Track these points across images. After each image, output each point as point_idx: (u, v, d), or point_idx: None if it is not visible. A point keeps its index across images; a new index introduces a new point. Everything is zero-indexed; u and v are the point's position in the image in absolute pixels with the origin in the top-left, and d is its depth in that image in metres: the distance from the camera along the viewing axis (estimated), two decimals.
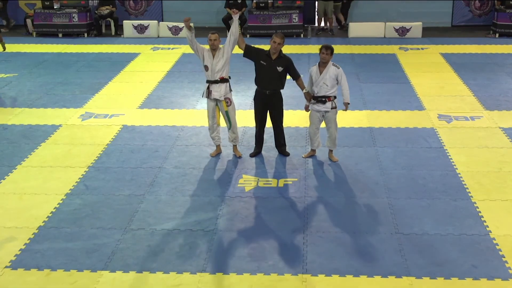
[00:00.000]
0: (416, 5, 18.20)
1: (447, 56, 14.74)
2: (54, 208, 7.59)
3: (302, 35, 17.34)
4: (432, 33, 17.35)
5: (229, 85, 8.78)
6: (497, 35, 16.99)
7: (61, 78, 13.29)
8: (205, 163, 8.86)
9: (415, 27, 17.19)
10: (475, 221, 7.19)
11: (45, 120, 10.64)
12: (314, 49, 15.28)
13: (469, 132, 9.90)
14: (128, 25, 17.57)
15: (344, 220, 7.28)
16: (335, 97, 8.62)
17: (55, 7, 17.52)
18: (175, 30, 17.53)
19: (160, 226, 7.14)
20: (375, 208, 7.55)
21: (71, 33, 17.56)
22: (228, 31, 8.74)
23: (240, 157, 9.04)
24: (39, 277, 6.21)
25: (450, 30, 18.06)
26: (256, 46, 8.86)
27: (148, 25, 17.55)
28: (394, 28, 17.26)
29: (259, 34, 17.03)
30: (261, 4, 17.27)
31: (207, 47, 8.65)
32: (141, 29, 17.52)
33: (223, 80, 8.67)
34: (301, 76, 8.77)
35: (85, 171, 8.62)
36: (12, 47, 15.32)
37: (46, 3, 17.59)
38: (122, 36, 17.56)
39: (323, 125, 8.85)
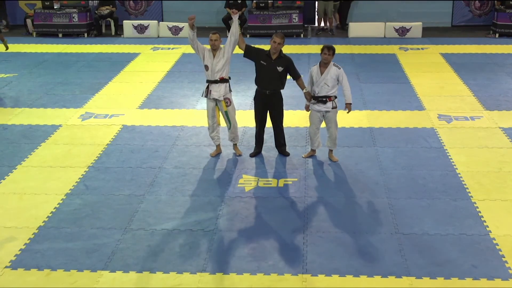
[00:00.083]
0: (416, 5, 18.21)
1: (447, 56, 14.74)
2: (54, 208, 7.59)
3: (302, 35, 17.35)
4: (432, 33, 17.35)
5: (229, 86, 8.78)
6: (497, 35, 16.99)
7: (61, 78, 13.29)
8: (205, 163, 8.86)
9: (415, 27, 17.19)
10: (475, 221, 7.19)
11: (45, 120, 10.64)
12: (314, 49, 15.31)
13: (469, 132, 9.90)
14: (128, 25, 17.57)
15: (344, 220, 7.28)
16: (335, 97, 8.62)
17: (55, 7, 17.53)
18: (175, 30, 17.53)
19: (160, 226, 7.14)
20: (375, 208, 7.55)
21: (71, 33, 17.56)
22: (228, 31, 8.75)
23: (240, 155, 9.05)
24: (39, 277, 6.21)
25: (450, 30, 18.07)
26: (256, 46, 8.86)
27: (148, 25, 17.55)
28: (394, 28, 17.26)
29: (259, 34, 17.03)
30: (261, 4, 17.27)
31: (208, 46, 8.66)
32: (141, 29, 17.52)
33: (223, 80, 8.68)
34: (301, 76, 8.77)
35: (85, 171, 8.62)
36: (12, 47, 15.26)
37: (46, 3, 17.59)
38: (122, 36, 17.56)
39: (323, 125, 8.85)
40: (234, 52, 8.69)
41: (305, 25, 18.10)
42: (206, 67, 8.67)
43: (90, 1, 18.37)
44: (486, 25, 17.87)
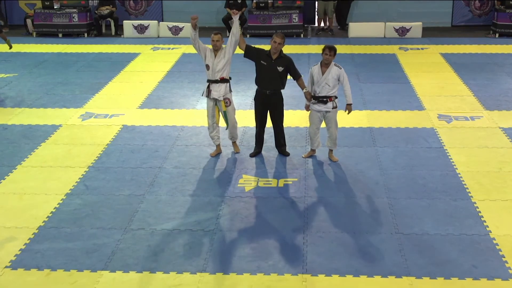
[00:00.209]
0: (416, 5, 18.21)
1: (447, 56, 14.74)
2: (54, 208, 7.59)
3: (302, 35, 17.34)
4: (432, 33, 17.35)
5: (229, 86, 8.79)
6: (497, 35, 16.99)
7: (61, 78, 13.29)
8: (205, 163, 8.86)
9: (415, 27, 17.19)
10: (475, 221, 7.19)
11: (45, 120, 10.64)
12: (314, 49, 15.31)
13: (469, 132, 9.90)
14: (128, 25, 17.57)
15: (344, 220, 7.28)
16: (336, 97, 8.62)
17: (55, 7, 17.53)
18: (175, 30, 17.53)
19: (160, 226, 7.14)
20: (375, 208, 7.55)
21: (71, 33, 17.56)
22: (228, 31, 8.76)
23: (237, 152, 9.08)
24: (39, 277, 6.21)
25: (450, 30, 18.06)
26: (256, 46, 8.86)
27: (148, 25, 17.55)
28: (394, 28, 17.26)
29: (259, 34, 17.03)
30: (261, 4, 17.27)
31: (210, 46, 8.66)
32: (141, 29, 17.52)
33: (223, 80, 8.68)
34: (302, 76, 8.77)
35: (85, 171, 8.62)
36: (12, 47, 15.30)
37: (46, 3, 17.59)
38: (122, 36, 17.56)
39: (323, 125, 8.85)
40: (235, 52, 8.69)
41: (305, 25, 18.10)
42: (207, 67, 8.68)
43: (90, 1, 18.37)
44: (486, 25, 17.87)
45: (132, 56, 15.09)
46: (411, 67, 13.85)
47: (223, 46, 8.67)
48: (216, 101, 8.78)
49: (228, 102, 8.78)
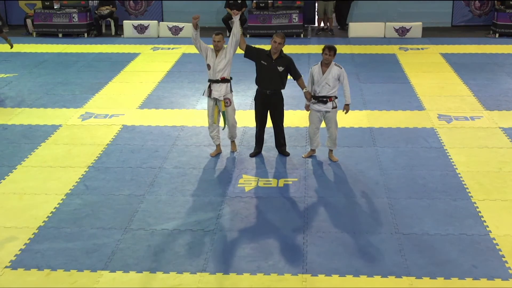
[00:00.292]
0: (416, 5, 18.21)
1: (447, 56, 14.74)
2: (54, 208, 7.59)
3: (302, 35, 17.35)
4: (432, 33, 17.36)
5: (230, 86, 8.79)
6: (497, 35, 16.99)
7: (61, 78, 13.29)
8: (205, 163, 8.86)
9: (415, 27, 17.19)
10: (475, 221, 7.19)
11: (45, 120, 10.64)
12: (314, 49, 15.31)
13: (469, 132, 9.90)
14: (128, 25, 17.57)
15: (344, 220, 7.28)
16: (336, 97, 8.63)
17: (55, 7, 17.53)
18: (175, 30, 17.53)
19: (160, 226, 7.14)
20: (375, 208, 7.55)
21: (71, 33, 17.56)
22: (228, 31, 8.76)
23: (233, 151, 9.11)
24: (39, 277, 6.21)
25: (450, 30, 18.07)
26: (256, 46, 8.86)
27: (148, 25, 17.56)
28: (394, 28, 17.26)
29: (259, 34, 17.04)
30: (261, 4, 17.27)
31: (211, 46, 8.67)
32: (141, 29, 17.52)
33: (224, 80, 8.69)
34: (302, 76, 8.77)
35: (85, 171, 8.62)
36: (13, 47, 15.31)
37: (46, 3, 17.59)
38: (122, 36, 17.57)
39: (323, 125, 8.85)
40: (235, 52, 8.69)
41: (305, 25, 18.10)
42: (208, 66, 8.69)
43: (90, 1, 18.37)
44: (486, 25, 17.87)
45: (132, 56, 15.09)
46: (411, 67, 13.85)
47: (224, 46, 8.67)
48: (216, 100, 8.79)
49: (228, 102, 8.79)
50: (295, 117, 10.40)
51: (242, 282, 6.10)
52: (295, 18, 17.19)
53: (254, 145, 9.16)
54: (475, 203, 7.63)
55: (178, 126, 10.30)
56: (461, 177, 8.33)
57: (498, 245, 6.68)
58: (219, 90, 8.71)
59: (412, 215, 7.36)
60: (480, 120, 10.44)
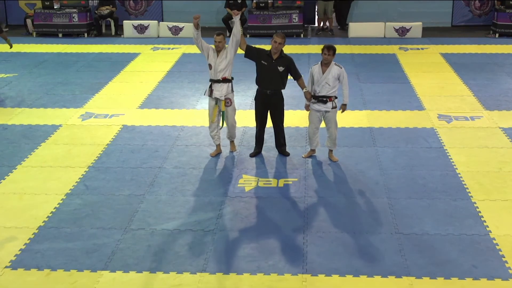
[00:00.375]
0: (416, 5, 18.21)
1: (447, 56, 14.74)
2: (54, 208, 7.59)
3: (302, 35, 17.35)
4: (432, 33, 17.36)
5: (232, 86, 8.80)
6: (497, 35, 16.99)
7: (61, 78, 13.29)
8: (205, 163, 8.86)
9: (415, 27, 17.19)
10: (475, 221, 7.19)
11: (45, 120, 10.64)
12: (314, 49, 15.31)
13: (469, 132, 9.90)
14: (128, 25, 17.57)
15: (344, 220, 7.28)
16: (335, 97, 8.63)
17: (55, 7, 17.53)
18: (175, 30, 17.53)
19: (160, 226, 7.14)
20: (375, 208, 7.55)
21: (71, 33, 17.56)
22: (228, 31, 8.77)
23: (232, 151, 9.11)
24: (39, 277, 6.21)
25: (450, 30, 18.07)
26: (257, 46, 8.86)
27: (148, 25, 17.56)
28: (394, 28, 17.26)
29: (259, 34, 17.04)
30: (261, 4, 17.28)
31: (213, 46, 8.68)
32: (141, 29, 17.52)
33: (225, 80, 8.70)
34: (302, 76, 8.77)
35: (85, 171, 8.62)
36: (12, 47, 15.30)
37: (46, 3, 17.59)
38: (122, 36, 17.57)
39: (322, 125, 8.85)
40: (236, 52, 8.70)
41: (305, 25, 18.10)
42: (210, 66, 8.71)
43: (90, 1, 18.37)
44: (486, 25, 17.87)
45: (132, 56, 15.09)
46: (411, 67, 13.85)
47: (226, 46, 8.68)
48: (217, 100, 8.80)
49: (229, 102, 8.80)
50: (295, 117, 10.40)
51: (242, 282, 6.10)
52: (295, 18, 17.20)
53: (254, 145, 9.16)
54: (475, 203, 7.63)
55: (178, 126, 10.30)
56: (461, 177, 8.33)
57: (498, 245, 6.68)
58: (220, 90, 8.72)
59: (412, 215, 7.36)
60: (480, 120, 10.44)
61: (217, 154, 9.11)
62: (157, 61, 14.74)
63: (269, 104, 8.85)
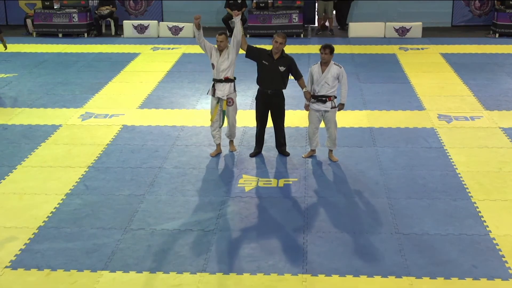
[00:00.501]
0: (416, 5, 18.21)
1: (447, 56, 14.74)
2: (54, 208, 7.59)
3: (302, 35, 17.34)
4: (432, 33, 17.35)
5: (234, 86, 8.81)
6: (497, 35, 16.99)
7: (61, 78, 13.29)
8: (205, 163, 8.86)
9: (415, 27, 17.19)
10: (475, 221, 7.19)
11: (45, 120, 10.64)
12: (314, 49, 15.28)
13: (469, 132, 9.90)
14: (128, 25, 17.57)
15: (344, 220, 7.28)
16: (335, 96, 8.63)
17: (55, 7, 17.52)
18: (175, 30, 17.53)
19: (160, 226, 7.14)
20: (375, 208, 7.55)
21: (71, 33, 17.56)
22: (228, 31, 8.77)
23: (231, 151, 9.10)
24: (39, 277, 6.21)
25: (450, 30, 18.07)
26: (257, 46, 8.87)
27: (148, 25, 17.55)
28: (394, 28, 17.26)
29: (259, 34, 17.03)
30: (261, 4, 17.27)
31: (216, 45, 8.69)
32: (141, 29, 17.52)
33: (228, 80, 8.71)
34: (303, 76, 8.77)
35: (85, 171, 8.62)
36: (12, 47, 15.28)
37: (46, 3, 17.59)
38: (122, 36, 17.56)
39: (322, 125, 8.85)
40: (238, 52, 8.73)
41: (305, 25, 18.10)
42: (212, 66, 8.73)
43: (90, 1, 18.36)
44: (486, 25, 17.86)
45: (132, 56, 15.09)
46: (411, 67, 13.85)
47: (228, 45, 8.69)
48: (219, 100, 8.81)
49: (231, 101, 8.81)
50: (295, 117, 10.40)
51: (242, 282, 6.10)
52: (295, 18, 17.19)
53: (254, 145, 9.16)
54: (475, 203, 7.63)
55: (178, 126, 10.30)
56: (461, 177, 8.33)
57: (498, 245, 6.68)
58: (223, 90, 8.73)
59: (412, 215, 7.36)
60: (480, 120, 10.44)
61: (217, 154, 9.11)
62: (157, 61, 14.74)
63: (270, 104, 8.85)
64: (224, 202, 7.70)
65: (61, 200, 7.81)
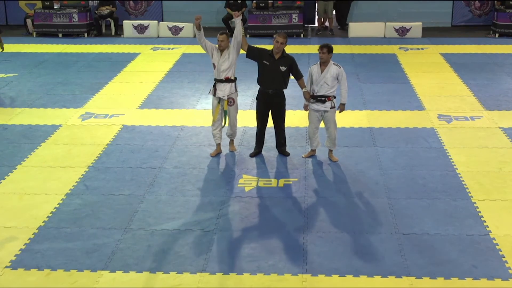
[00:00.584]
0: (416, 5, 18.21)
1: (447, 56, 14.74)
2: (54, 208, 7.59)
3: (302, 35, 17.34)
4: (432, 33, 17.35)
5: (235, 86, 8.82)
6: (497, 35, 16.99)
7: (61, 78, 13.29)
8: (205, 163, 8.86)
9: (415, 27, 17.19)
10: (475, 221, 7.19)
11: (45, 120, 10.64)
12: (314, 49, 15.22)
13: (469, 132, 9.90)
14: (128, 25, 17.57)
15: (344, 220, 7.28)
16: (334, 96, 8.63)
17: (55, 7, 17.52)
18: (175, 30, 17.53)
19: (160, 226, 7.14)
20: (375, 208, 7.55)
21: (71, 33, 17.56)
22: (228, 31, 8.76)
23: (231, 151, 9.11)
24: (39, 277, 6.21)
25: (450, 30, 18.07)
26: (257, 46, 8.87)
27: (148, 25, 17.55)
28: (394, 28, 17.26)
29: (259, 34, 17.03)
30: (261, 4, 17.27)
31: (217, 45, 8.70)
32: (141, 29, 17.52)
33: (228, 80, 8.72)
34: (303, 76, 8.78)
35: (85, 171, 8.62)
36: (12, 47, 15.33)
37: (46, 3, 17.58)
38: (122, 36, 17.56)
39: (322, 125, 8.85)
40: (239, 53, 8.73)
41: (305, 25, 18.10)
42: (214, 66, 8.73)
43: (90, 1, 18.37)
44: (486, 25, 17.86)
45: (132, 56, 15.09)
46: (411, 67, 13.85)
47: (229, 45, 8.69)
48: (220, 100, 8.81)
49: (231, 101, 8.82)
50: (295, 117, 10.40)
51: (242, 282, 6.10)
52: (295, 18, 17.19)
53: (254, 145, 9.16)
54: (475, 203, 7.63)
55: (178, 126, 10.30)
56: (461, 177, 8.33)
57: (498, 245, 6.68)
58: (223, 90, 8.74)
59: (412, 215, 7.36)
60: (480, 120, 10.45)
61: (217, 154, 9.11)
62: (157, 61, 14.74)
63: (271, 104, 8.85)
64: (224, 202, 7.70)
65: (61, 200, 7.81)
